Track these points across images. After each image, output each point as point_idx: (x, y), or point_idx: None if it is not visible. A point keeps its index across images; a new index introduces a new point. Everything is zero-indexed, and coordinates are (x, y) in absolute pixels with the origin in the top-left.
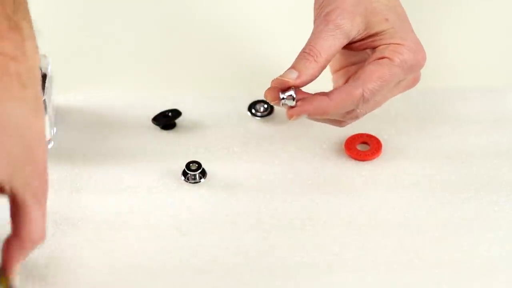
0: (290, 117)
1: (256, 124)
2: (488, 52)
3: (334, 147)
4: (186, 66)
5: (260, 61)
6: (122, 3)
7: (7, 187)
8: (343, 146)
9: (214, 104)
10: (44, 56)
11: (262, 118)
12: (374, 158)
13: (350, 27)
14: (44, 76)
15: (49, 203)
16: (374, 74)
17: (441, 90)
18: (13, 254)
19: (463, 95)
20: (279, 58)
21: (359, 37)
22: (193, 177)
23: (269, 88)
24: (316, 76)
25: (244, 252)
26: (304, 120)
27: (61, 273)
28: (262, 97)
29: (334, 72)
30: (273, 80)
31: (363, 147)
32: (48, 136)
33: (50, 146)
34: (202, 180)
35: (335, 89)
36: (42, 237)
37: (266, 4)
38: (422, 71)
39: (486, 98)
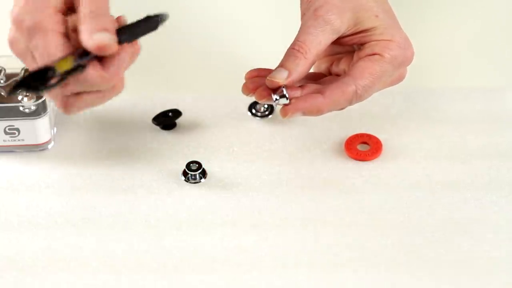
0: (285, 115)
1: (256, 124)
2: (488, 52)
3: (334, 147)
4: (187, 66)
5: (261, 62)
6: (123, 3)
7: None
8: (343, 146)
9: (214, 104)
10: None
11: (262, 118)
12: (374, 158)
13: (340, 23)
14: None
15: (49, 203)
16: (365, 70)
17: (441, 90)
18: None
19: (463, 95)
20: (279, 58)
21: (348, 32)
22: (193, 177)
23: (259, 88)
24: (306, 73)
25: (244, 252)
26: (304, 120)
27: (61, 272)
28: None
29: (318, 59)
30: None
31: (363, 147)
32: (48, 136)
33: (50, 146)
34: (202, 180)
35: (328, 86)
36: None
37: (267, 5)
38: (423, 71)
39: (486, 98)
